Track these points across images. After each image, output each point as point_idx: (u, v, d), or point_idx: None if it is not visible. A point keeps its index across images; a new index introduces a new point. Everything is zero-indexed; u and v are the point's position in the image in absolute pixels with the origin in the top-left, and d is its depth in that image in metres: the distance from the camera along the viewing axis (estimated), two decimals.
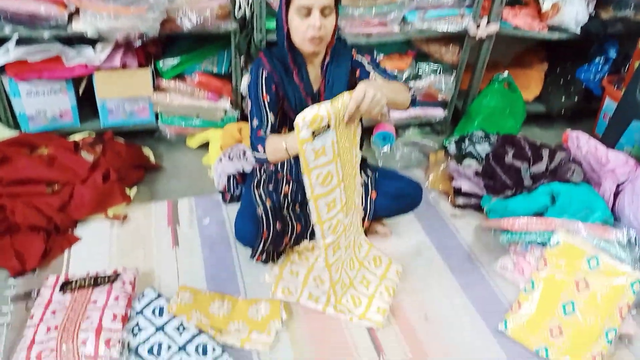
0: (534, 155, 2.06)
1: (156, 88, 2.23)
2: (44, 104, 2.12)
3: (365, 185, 1.78)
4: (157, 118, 2.32)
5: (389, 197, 1.78)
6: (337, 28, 1.53)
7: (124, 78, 2.13)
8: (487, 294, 1.71)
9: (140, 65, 2.16)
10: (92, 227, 1.85)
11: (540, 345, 1.51)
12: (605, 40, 2.58)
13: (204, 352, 1.38)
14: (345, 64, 1.62)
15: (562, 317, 1.56)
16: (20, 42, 1.92)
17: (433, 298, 1.68)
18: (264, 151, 1.50)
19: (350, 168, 1.46)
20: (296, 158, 1.36)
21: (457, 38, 2.40)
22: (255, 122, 1.54)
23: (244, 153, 2.11)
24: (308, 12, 1.41)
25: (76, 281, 1.54)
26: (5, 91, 2.05)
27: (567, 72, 2.70)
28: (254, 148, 1.54)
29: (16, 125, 2.15)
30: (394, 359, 1.46)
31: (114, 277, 1.55)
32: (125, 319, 1.40)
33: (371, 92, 1.28)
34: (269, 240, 1.62)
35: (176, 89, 2.24)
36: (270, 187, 1.74)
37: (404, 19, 2.28)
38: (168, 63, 2.18)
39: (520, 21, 2.43)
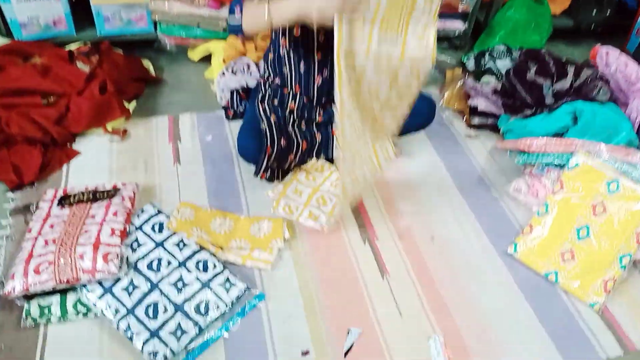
0: (559, 71, 1.91)
1: None
2: (35, 10, 1.99)
3: None
4: (155, 27, 2.18)
5: None
6: None
7: None
8: (497, 217, 1.65)
9: None
10: (91, 141, 1.79)
11: (550, 270, 1.47)
12: None
13: (205, 269, 1.35)
14: None
15: (575, 241, 1.50)
16: None
17: (441, 219, 1.62)
18: (241, 16, 1.33)
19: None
20: (305, 63, 1.17)
21: None
22: None
23: (248, 67, 2.00)
24: None
25: (75, 195, 1.50)
26: None
27: None
28: (230, 10, 1.36)
29: (9, 34, 2.03)
30: (398, 279, 1.43)
31: (113, 193, 1.51)
32: (124, 234, 1.37)
33: None
34: (273, 157, 1.55)
35: None
36: (276, 102, 1.64)
37: None
38: None
39: None
